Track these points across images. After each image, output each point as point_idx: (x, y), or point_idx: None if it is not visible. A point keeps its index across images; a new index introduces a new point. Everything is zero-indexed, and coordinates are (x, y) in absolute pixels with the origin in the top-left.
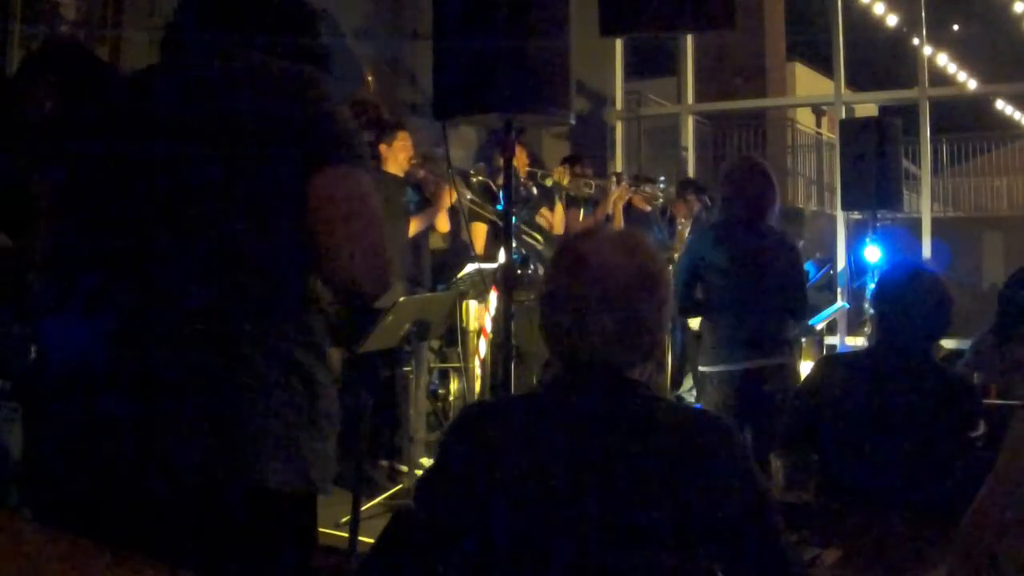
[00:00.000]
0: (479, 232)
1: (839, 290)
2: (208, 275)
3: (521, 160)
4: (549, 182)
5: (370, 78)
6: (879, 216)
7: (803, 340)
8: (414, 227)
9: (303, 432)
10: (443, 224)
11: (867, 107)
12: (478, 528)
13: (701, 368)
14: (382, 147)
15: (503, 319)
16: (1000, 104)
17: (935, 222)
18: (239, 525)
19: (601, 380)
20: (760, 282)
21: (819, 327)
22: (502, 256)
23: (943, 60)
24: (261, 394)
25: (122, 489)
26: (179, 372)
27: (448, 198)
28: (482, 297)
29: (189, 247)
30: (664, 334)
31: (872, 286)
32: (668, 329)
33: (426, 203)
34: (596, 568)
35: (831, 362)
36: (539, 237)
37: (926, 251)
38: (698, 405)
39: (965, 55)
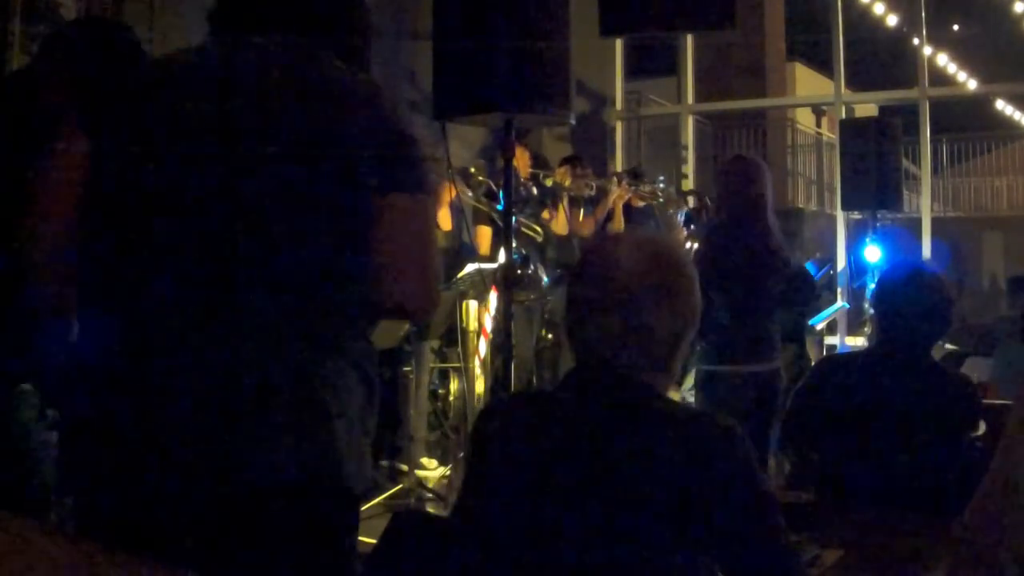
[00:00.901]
0: (484, 234)
1: (839, 290)
2: (273, 284)
3: (523, 161)
4: (550, 182)
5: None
6: (879, 216)
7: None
8: None
9: (361, 431)
10: (445, 223)
11: (867, 107)
12: (482, 525)
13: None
14: None
15: (503, 319)
16: (1000, 104)
17: (935, 222)
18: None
19: (606, 380)
20: (738, 286)
21: (819, 327)
22: (502, 256)
23: (943, 60)
24: (335, 398)
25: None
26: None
27: (446, 195)
28: (482, 297)
29: (253, 260)
30: (682, 341)
31: (872, 286)
32: (686, 337)
33: None
34: (597, 568)
35: (831, 362)
36: (538, 229)
37: (926, 251)
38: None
39: (965, 55)
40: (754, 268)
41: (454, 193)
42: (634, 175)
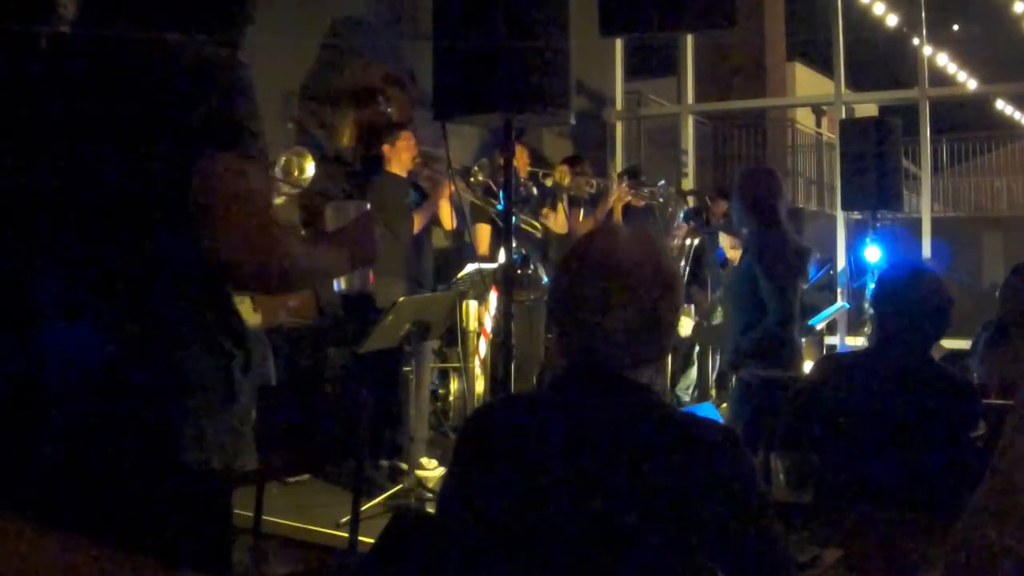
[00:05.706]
0: (483, 232)
1: (839, 290)
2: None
3: (522, 160)
4: (549, 182)
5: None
6: (879, 216)
7: (802, 341)
8: (418, 222)
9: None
10: (447, 222)
11: (867, 107)
12: (478, 529)
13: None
14: (385, 147)
15: (503, 319)
16: (1000, 104)
17: (935, 222)
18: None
19: (606, 381)
20: (791, 289)
21: (819, 327)
22: (502, 256)
23: (943, 60)
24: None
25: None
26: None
27: (446, 190)
28: (482, 297)
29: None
30: (673, 333)
31: (872, 286)
32: (675, 330)
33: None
34: (594, 570)
35: (831, 362)
36: (536, 225)
37: (926, 251)
38: (699, 406)
39: (965, 55)
40: (800, 271)
41: (453, 189)
42: (632, 174)
